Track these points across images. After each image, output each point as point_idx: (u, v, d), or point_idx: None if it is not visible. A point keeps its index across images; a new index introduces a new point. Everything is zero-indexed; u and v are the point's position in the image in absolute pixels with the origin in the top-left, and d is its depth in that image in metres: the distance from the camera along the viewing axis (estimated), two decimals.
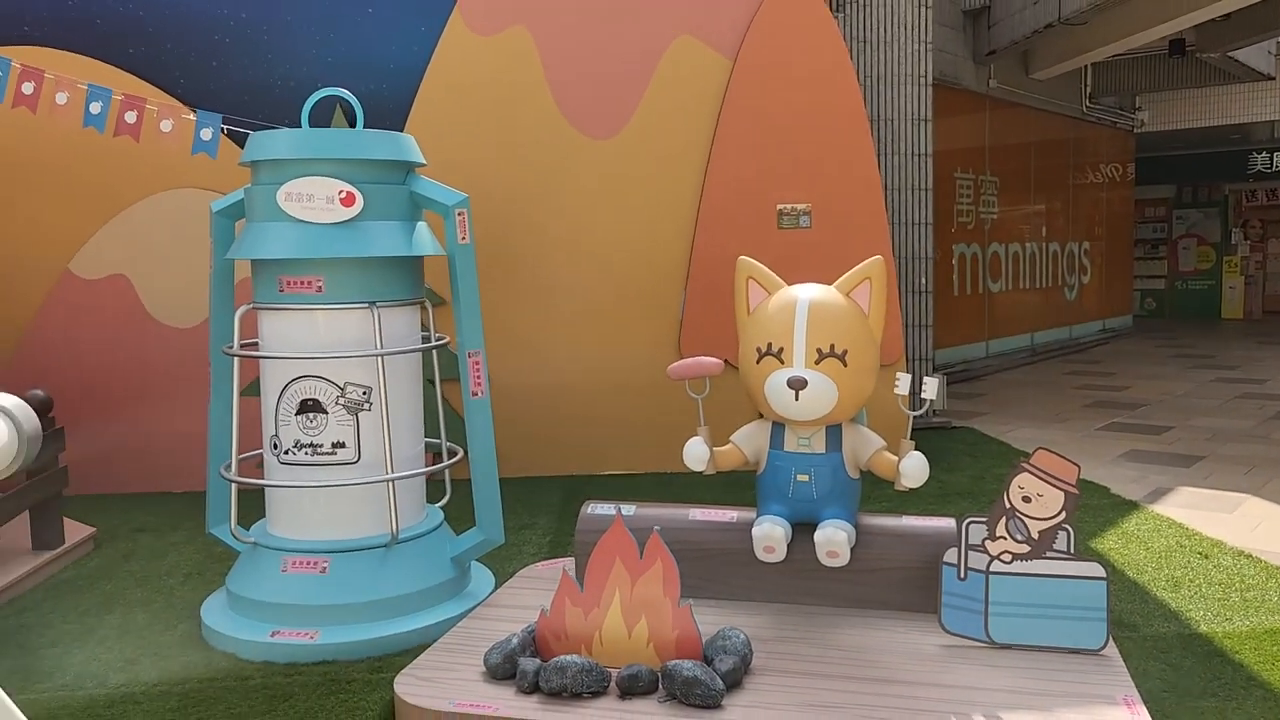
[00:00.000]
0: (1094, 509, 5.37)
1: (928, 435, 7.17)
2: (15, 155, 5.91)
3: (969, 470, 6.33)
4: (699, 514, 4.00)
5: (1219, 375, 10.62)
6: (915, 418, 3.68)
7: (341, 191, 3.68)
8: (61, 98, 4.16)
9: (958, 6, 10.29)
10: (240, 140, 4.92)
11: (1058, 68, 11.26)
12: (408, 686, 3.20)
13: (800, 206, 6.20)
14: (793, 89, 6.22)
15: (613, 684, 3.15)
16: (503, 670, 3.24)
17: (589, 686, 3.11)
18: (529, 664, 3.19)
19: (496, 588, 4.19)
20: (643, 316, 6.30)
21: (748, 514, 3.89)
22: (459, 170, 5.47)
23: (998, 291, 11.59)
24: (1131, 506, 5.46)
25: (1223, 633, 3.72)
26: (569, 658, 3.15)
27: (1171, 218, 18.27)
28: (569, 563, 4.01)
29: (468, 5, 6.12)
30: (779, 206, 6.20)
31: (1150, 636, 3.72)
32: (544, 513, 5.46)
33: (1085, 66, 12.54)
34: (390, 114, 6.00)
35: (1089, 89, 13.24)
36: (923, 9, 7.46)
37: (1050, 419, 8.18)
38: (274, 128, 4.03)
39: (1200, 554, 4.62)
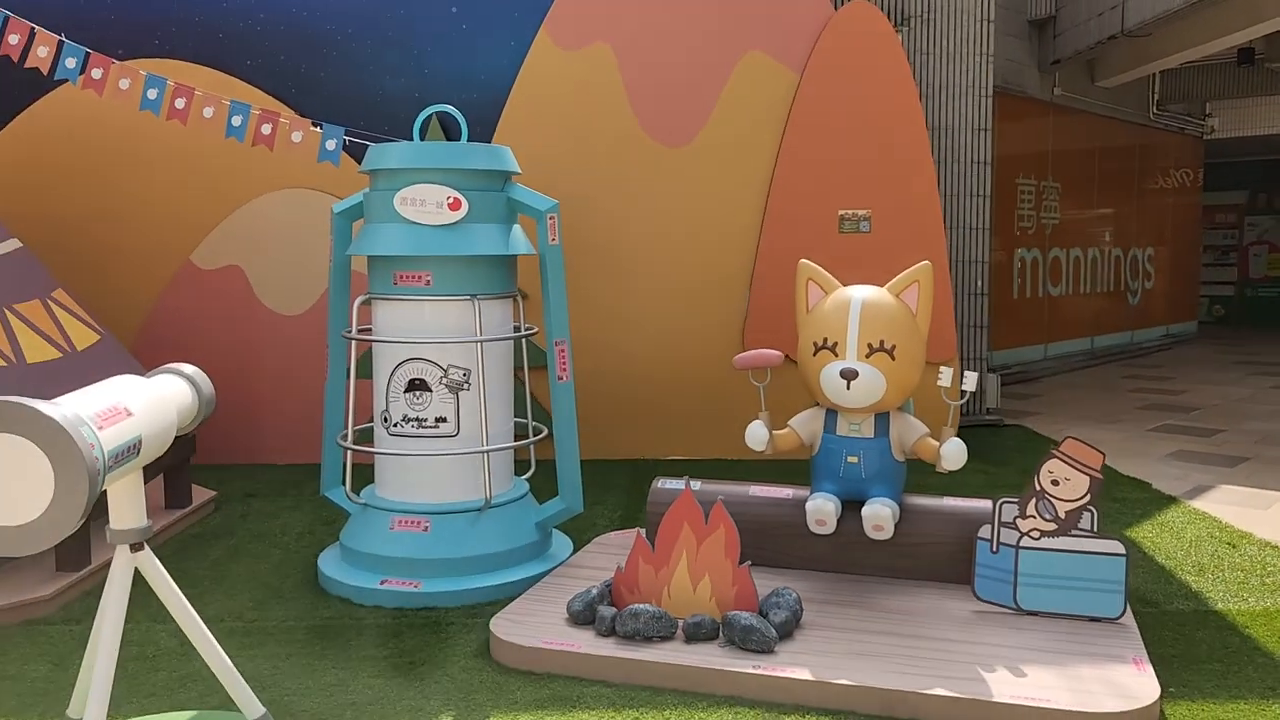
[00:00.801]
0: (1132, 502, 5.68)
1: (979, 432, 7.49)
2: (147, 157, 6.57)
3: (1017, 465, 6.64)
4: (758, 490, 4.45)
5: None
6: (968, 415, 4.09)
7: (450, 197, 4.19)
8: (208, 111, 4.75)
9: (1023, 17, 10.52)
10: (348, 149, 5.47)
11: (1124, 76, 11.40)
12: (502, 627, 3.70)
13: (860, 212, 6.58)
14: (856, 101, 6.60)
15: (679, 630, 3.62)
16: (584, 616, 3.73)
17: (659, 631, 3.58)
18: (607, 611, 3.67)
19: (574, 552, 4.68)
20: (709, 313, 6.74)
21: (802, 491, 4.33)
22: (542, 174, 5.98)
23: (1058, 295, 11.78)
24: (1170, 501, 5.75)
25: (1237, 610, 4.06)
26: (641, 606, 3.62)
27: (1243, 224, 18.11)
28: (640, 531, 4.46)
29: (554, 22, 6.62)
30: (840, 212, 6.59)
31: (1169, 612, 4.06)
32: (615, 491, 5.94)
33: (1153, 74, 12.62)
34: (481, 122, 6.50)
35: (1156, 96, 13.30)
36: (985, 23, 7.77)
37: (1102, 419, 8.42)
38: (391, 140, 4.56)
39: (1228, 544, 4.92)
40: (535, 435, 4.70)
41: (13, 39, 4.53)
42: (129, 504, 2.73)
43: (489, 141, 6.53)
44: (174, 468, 5.29)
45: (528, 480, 4.82)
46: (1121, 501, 5.69)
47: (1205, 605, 4.13)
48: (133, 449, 2.56)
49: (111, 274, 6.59)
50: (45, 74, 4.69)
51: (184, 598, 2.89)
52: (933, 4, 7.71)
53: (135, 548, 2.75)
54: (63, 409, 2.30)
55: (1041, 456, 3.87)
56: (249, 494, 5.93)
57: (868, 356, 4.01)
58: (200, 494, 5.62)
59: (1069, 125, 11.57)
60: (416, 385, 4.33)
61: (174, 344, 6.52)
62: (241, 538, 5.13)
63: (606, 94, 6.66)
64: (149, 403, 2.70)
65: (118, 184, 6.61)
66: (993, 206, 8.18)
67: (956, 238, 7.90)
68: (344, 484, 4.62)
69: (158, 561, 2.83)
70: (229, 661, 2.94)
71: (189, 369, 3.04)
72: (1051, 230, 11.52)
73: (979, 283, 7.96)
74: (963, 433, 6.84)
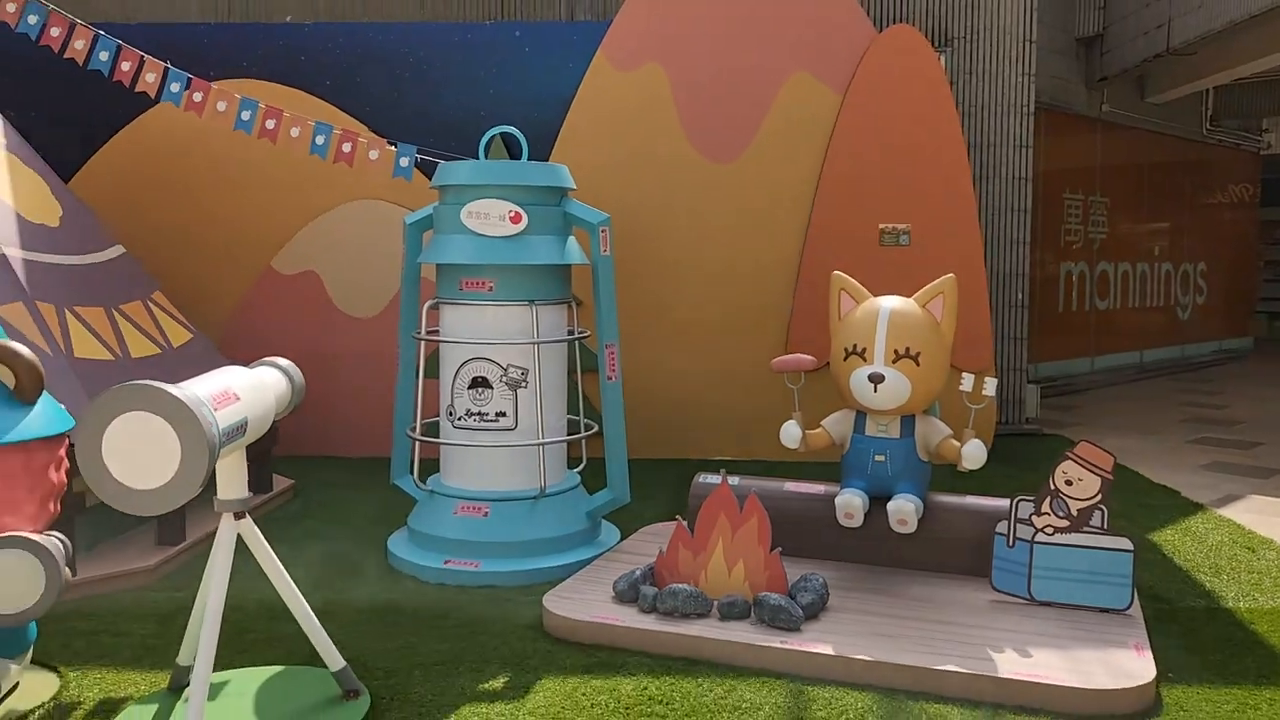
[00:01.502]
0: (1158, 508, 5.89)
1: (1017, 441, 7.72)
2: (233, 171, 7.09)
3: (1047, 472, 6.84)
4: (792, 486, 4.79)
5: None
6: (1006, 424, 4.37)
7: (511, 211, 4.60)
8: (295, 131, 5.21)
9: (1070, 35, 10.70)
10: (419, 165, 5.90)
11: (1174, 92, 11.48)
12: (554, 602, 4.08)
13: (900, 226, 6.87)
14: (897, 120, 6.90)
15: (714, 609, 3.97)
16: (628, 594, 4.09)
17: (695, 609, 3.93)
18: (649, 590, 4.03)
19: (621, 540, 5.05)
20: (754, 321, 7.07)
21: (834, 488, 4.65)
22: (597, 187, 6.37)
23: (1105, 309, 11.88)
24: (1196, 508, 5.95)
25: (1245, 608, 4.28)
26: (680, 586, 3.97)
27: None
28: (680, 519, 4.81)
29: (610, 45, 7.02)
30: (881, 226, 6.89)
31: (1181, 608, 4.30)
32: (661, 488, 6.28)
33: (1206, 90, 12.67)
34: (541, 139, 6.89)
35: (1210, 111, 13.32)
36: (1026, 43, 8.01)
37: (1142, 430, 8.57)
38: (460, 158, 4.98)
39: (1248, 548, 5.13)
40: (586, 430, 5.08)
41: (125, 66, 5.05)
42: (234, 477, 3.16)
43: (548, 157, 6.94)
44: (258, 456, 5.75)
45: (579, 473, 5.20)
46: (1148, 507, 5.90)
47: (1216, 603, 4.37)
48: (240, 428, 2.99)
49: (200, 278, 7.11)
50: (153, 97, 5.19)
51: (278, 560, 3.30)
52: (975, 25, 7.97)
53: (238, 515, 3.18)
54: (187, 391, 2.72)
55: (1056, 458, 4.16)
56: (326, 483, 6.39)
57: (894, 362, 4.32)
58: (280, 482, 6.09)
59: (1118, 141, 11.69)
60: (479, 382, 4.73)
61: (255, 343, 6.95)
62: (319, 521, 5.58)
63: (659, 112, 7.03)
64: (253, 389, 3.12)
65: (207, 196, 7.14)
66: (1033, 221, 8.39)
67: (997, 252, 8.13)
68: (411, 473, 5.05)
69: (256, 529, 3.25)
70: (315, 619, 3.36)
71: (284, 362, 3.47)
72: (1099, 244, 11.64)
73: (1019, 296, 8.18)
74: (1000, 441, 7.15)
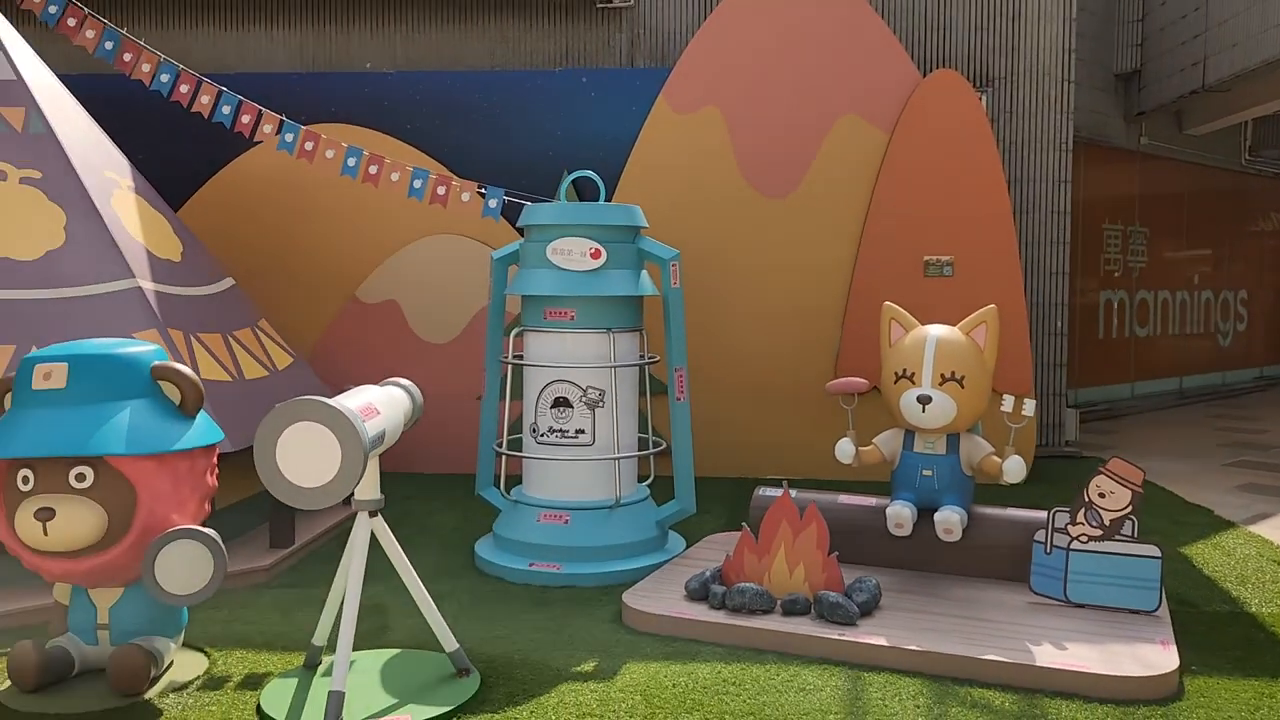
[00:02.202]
0: (1190, 525, 6.23)
1: (1057, 463, 8.08)
2: (321, 207, 7.70)
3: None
4: (846, 498, 5.22)
5: None
6: (1046, 446, 4.78)
7: (592, 248, 5.11)
8: (395, 176, 5.78)
9: (1109, 71, 11.08)
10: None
11: (1212, 125, 11.79)
12: (633, 599, 4.55)
13: (944, 258, 7.31)
14: (940, 157, 7.35)
15: (778, 606, 4.41)
16: (699, 592, 4.55)
17: (761, 605, 4.37)
18: (718, 588, 4.48)
19: (687, 548, 5.50)
20: (805, 347, 7.53)
21: (884, 500, 5.08)
22: (657, 222, 6.85)
23: (1145, 336, 12.17)
24: (1227, 525, 6.28)
25: (1268, 613, 4.64)
26: (747, 585, 4.42)
27: None
28: (746, 526, 5.26)
29: (671, 90, 7.55)
30: (925, 257, 7.33)
31: (1206, 612, 4.68)
32: (718, 502, 6.73)
33: (1245, 121, 12.95)
34: (606, 178, 7.38)
35: (1249, 141, 13.60)
36: (1065, 83, 8.43)
37: (1178, 454, 8.87)
38: (540, 199, 5.51)
39: (1275, 561, 5.47)
40: (656, 448, 5.55)
41: (245, 119, 5.65)
42: (370, 481, 3.67)
43: (613, 195, 7.47)
44: None
45: (648, 487, 5.67)
46: (1181, 524, 6.25)
47: (1240, 608, 4.73)
48: (380, 438, 3.50)
49: (290, 306, 7.70)
50: (268, 143, 5.78)
51: (403, 554, 3.81)
52: (1015, 66, 8.40)
53: (371, 514, 3.69)
54: (345, 405, 3.24)
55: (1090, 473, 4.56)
56: (405, 497, 6.91)
57: (941, 385, 4.76)
58: None
59: (1156, 172, 12.01)
60: (561, 402, 5.23)
61: (341, 367, 7.59)
62: (405, 530, 6.08)
63: (716, 152, 7.54)
64: (388, 404, 3.64)
65: (297, 232, 7.75)
66: (1073, 251, 8.78)
67: (1037, 282, 8.52)
68: (497, 485, 5.55)
69: (385, 525, 3.76)
70: (433, 604, 3.85)
71: (405, 382, 3.99)
72: (1139, 273, 11.95)
73: (1058, 324, 8.55)
74: (1040, 462, 7.53)
